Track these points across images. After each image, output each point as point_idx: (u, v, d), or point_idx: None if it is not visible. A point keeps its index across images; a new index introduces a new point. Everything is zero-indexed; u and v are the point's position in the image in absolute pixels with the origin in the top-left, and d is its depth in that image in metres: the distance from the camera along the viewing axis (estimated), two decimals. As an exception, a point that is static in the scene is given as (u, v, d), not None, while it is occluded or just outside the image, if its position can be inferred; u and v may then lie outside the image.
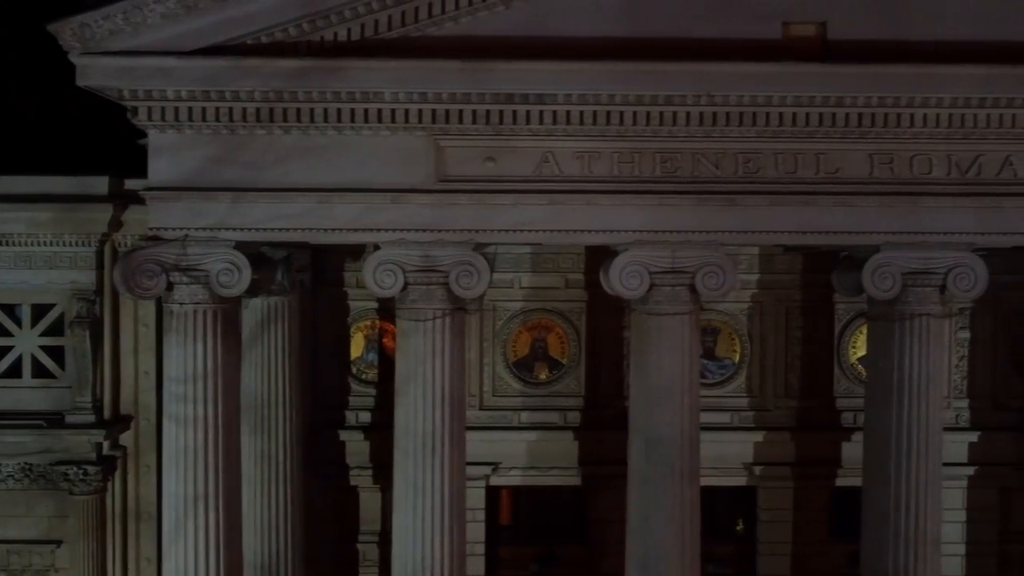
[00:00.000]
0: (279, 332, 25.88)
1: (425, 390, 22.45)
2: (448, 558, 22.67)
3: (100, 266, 27.18)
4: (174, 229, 21.87)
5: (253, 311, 25.72)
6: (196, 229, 21.86)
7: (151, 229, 21.86)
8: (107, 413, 27.99)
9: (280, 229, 22.09)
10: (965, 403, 28.62)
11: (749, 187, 22.30)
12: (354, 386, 28.82)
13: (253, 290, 23.77)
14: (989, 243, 22.62)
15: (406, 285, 22.31)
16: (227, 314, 22.40)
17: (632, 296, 22.55)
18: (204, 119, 21.63)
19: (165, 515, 22.46)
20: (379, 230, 22.14)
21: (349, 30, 21.72)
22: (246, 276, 21.93)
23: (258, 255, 23.33)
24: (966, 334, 28.47)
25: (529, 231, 22.36)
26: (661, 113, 21.90)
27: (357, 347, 28.97)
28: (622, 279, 22.36)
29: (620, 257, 22.30)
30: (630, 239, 22.32)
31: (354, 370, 28.83)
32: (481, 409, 28.73)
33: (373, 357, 28.71)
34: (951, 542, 28.72)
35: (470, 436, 26.82)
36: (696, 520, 23.11)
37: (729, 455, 28.57)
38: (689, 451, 22.82)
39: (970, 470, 28.55)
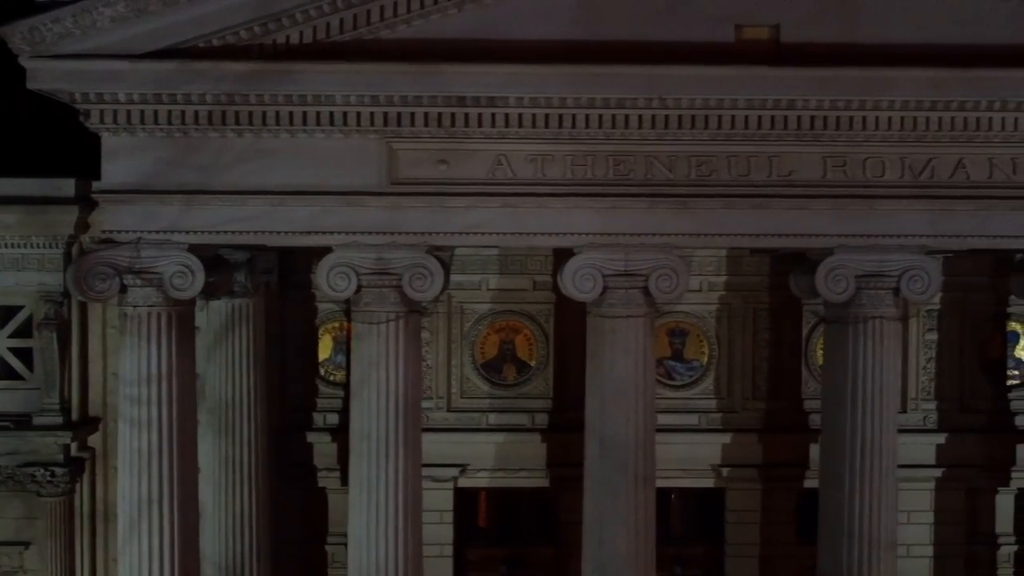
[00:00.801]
0: (243, 334, 25.89)
1: (379, 393, 22.47)
2: (403, 560, 22.71)
3: (67, 268, 27.01)
4: (127, 232, 21.93)
5: (217, 313, 25.76)
6: (149, 232, 21.89)
7: (104, 232, 21.99)
8: (75, 415, 28.07)
9: (233, 232, 22.10)
10: (933, 405, 28.58)
11: (702, 190, 22.28)
12: (322, 388, 28.83)
13: (211, 292, 23.83)
14: (942, 245, 22.64)
15: (360, 288, 22.33)
16: (182, 316, 22.43)
17: (585, 299, 22.55)
18: (156, 122, 21.64)
19: (120, 516, 22.55)
20: (332, 233, 22.16)
21: (301, 33, 21.69)
22: (199, 279, 21.93)
23: (215, 257, 23.40)
24: (934, 336, 28.40)
25: (482, 234, 22.36)
26: (613, 116, 21.85)
27: (325, 349, 28.99)
28: (575, 282, 22.36)
29: (573, 260, 22.33)
30: (583, 242, 22.32)
31: (322, 372, 28.84)
32: (449, 411, 28.70)
33: (341, 359, 28.74)
34: (918, 544, 28.95)
35: (438, 438, 27.13)
36: (651, 523, 23.12)
37: (697, 457, 28.56)
38: (644, 453, 22.78)
39: (937, 472, 28.50)
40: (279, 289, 28.19)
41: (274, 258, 27.18)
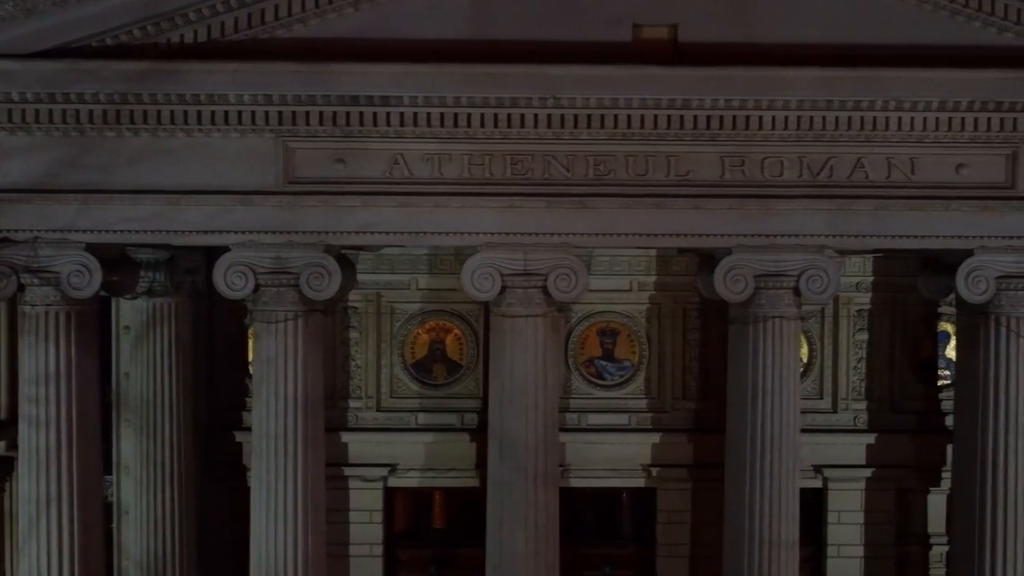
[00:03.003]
0: (165, 333, 25.97)
1: (277, 392, 22.51)
2: (303, 561, 22.73)
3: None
4: (24, 231, 22.05)
5: (138, 312, 25.88)
6: (46, 231, 21.97)
7: (1, 231, 21.88)
8: (3, 415, 27.95)
9: (131, 231, 22.21)
10: (863, 405, 28.33)
11: (600, 189, 22.27)
12: (251, 387, 28.58)
13: (117, 291, 24.05)
14: (841, 245, 22.57)
15: (258, 287, 22.34)
16: (82, 315, 22.50)
17: (484, 298, 22.62)
18: (52, 121, 21.72)
19: (20, 516, 22.65)
20: (229, 232, 22.23)
21: (196, 32, 21.75)
22: (97, 278, 22.03)
23: (121, 256, 23.35)
24: (864, 336, 28.20)
25: (379, 233, 22.40)
26: (509, 115, 21.81)
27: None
28: (474, 281, 22.38)
29: (472, 259, 22.34)
30: (481, 241, 22.32)
31: (251, 371, 28.69)
32: (378, 410, 28.60)
33: (270, 358, 28.48)
34: (849, 544, 28.74)
35: (367, 438, 27.08)
36: (553, 523, 23.06)
37: (627, 457, 28.44)
38: (544, 454, 22.73)
39: (868, 472, 28.26)
40: (208, 288, 28.01)
41: (200, 257, 27.12)
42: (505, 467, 22.76)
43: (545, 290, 22.55)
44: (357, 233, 22.39)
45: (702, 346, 28.73)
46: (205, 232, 22.27)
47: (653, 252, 28.10)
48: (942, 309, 28.27)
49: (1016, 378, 22.84)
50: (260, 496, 22.65)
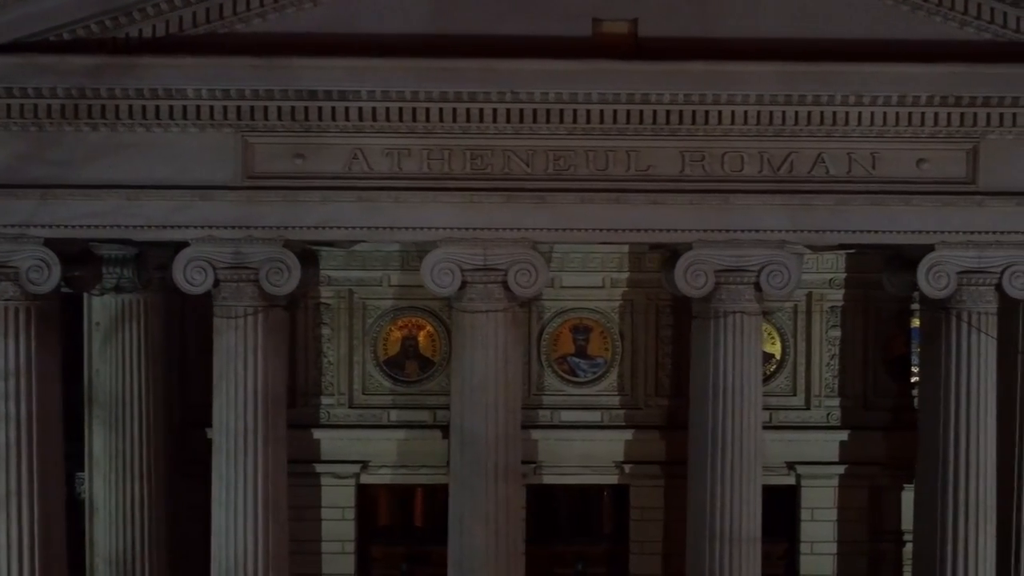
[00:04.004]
0: (134, 329, 25.93)
1: (237, 388, 22.50)
2: (263, 556, 22.67)
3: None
4: (-18, 226, 21.75)
5: (107, 308, 25.79)
6: (5, 226, 22.00)
7: (-40, 226, 21.90)
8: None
9: (90, 226, 22.20)
10: (836, 402, 28.28)
11: (560, 184, 22.23)
12: (222, 383, 28.61)
13: (79, 286, 24.03)
14: (801, 240, 22.47)
15: (217, 282, 22.32)
16: (43, 311, 22.50)
17: (444, 293, 22.62)
18: (9, 116, 21.71)
19: (-20, 511, 22.43)
20: (188, 227, 22.27)
21: (154, 27, 21.75)
22: (56, 273, 22.01)
23: (83, 252, 23.31)
24: (837, 333, 28.13)
25: (339, 228, 22.40)
26: (468, 110, 21.79)
27: (225, 345, 28.75)
28: (434, 276, 22.37)
29: (432, 254, 22.31)
30: (441, 236, 22.35)
31: (223, 367, 28.64)
32: (351, 407, 28.55)
33: (241, 355, 28.44)
34: (822, 541, 28.71)
35: (339, 434, 27.07)
36: (514, 521, 23.03)
37: (600, 453, 28.41)
38: (505, 450, 22.68)
39: (841, 469, 28.21)
40: (179, 285, 28.01)
41: (170, 253, 26.85)
42: (466, 463, 22.69)
43: (506, 285, 22.47)
44: (316, 228, 22.33)
45: (675, 343, 28.63)
46: (165, 227, 22.25)
47: (625, 249, 28.03)
48: (915, 306, 28.06)
49: (977, 373, 22.75)
50: (220, 492, 22.65)
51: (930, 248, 22.47)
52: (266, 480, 22.57)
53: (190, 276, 22.17)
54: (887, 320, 28.33)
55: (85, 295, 26.20)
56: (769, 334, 28.12)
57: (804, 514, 28.49)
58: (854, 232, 22.51)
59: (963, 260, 22.45)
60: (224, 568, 22.57)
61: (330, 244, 24.19)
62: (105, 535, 26.07)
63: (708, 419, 22.72)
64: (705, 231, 22.31)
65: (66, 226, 22.12)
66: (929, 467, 23.38)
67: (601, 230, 22.49)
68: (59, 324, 23.19)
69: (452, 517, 23.01)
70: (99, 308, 26.14)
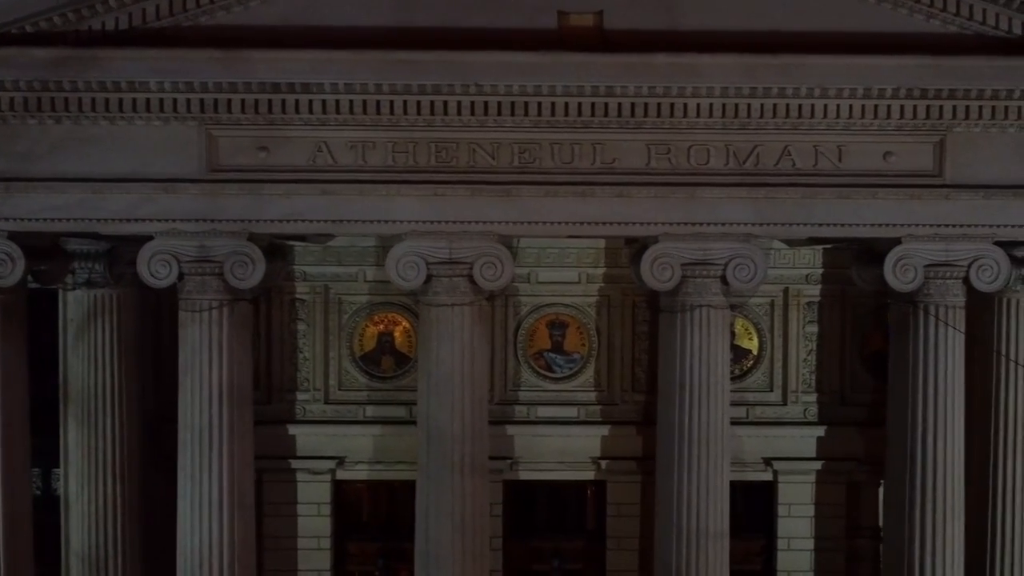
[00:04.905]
0: (106, 324, 25.87)
1: (202, 382, 22.46)
2: (228, 550, 22.59)
3: None
4: (-54, 220, 21.73)
5: (79, 303, 25.72)
6: (-33, 220, 21.68)
7: (-77, 220, 21.87)
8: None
9: (54, 219, 22.18)
10: (813, 398, 28.18)
11: (525, 177, 22.17)
12: (199, 379, 28.54)
13: (46, 281, 23.91)
14: (767, 233, 22.43)
15: (182, 276, 22.28)
16: (7, 305, 22.53)
17: (409, 287, 22.60)
18: (-29, 109, 21.40)
19: (-56, 506, 22.37)
20: (153, 220, 22.21)
21: (117, 19, 21.70)
22: (20, 266, 22.00)
23: (51, 246, 23.27)
24: (814, 328, 28.04)
25: (303, 221, 22.36)
26: (432, 103, 21.72)
27: (200, 339, 28.67)
28: (399, 269, 22.30)
29: (397, 247, 22.25)
30: (406, 229, 22.27)
31: (199, 362, 28.56)
32: (326, 403, 28.52)
33: (217, 349, 28.38)
34: (799, 537, 28.64)
35: (315, 430, 26.98)
36: (481, 516, 22.95)
37: (576, 449, 28.33)
38: (471, 444, 22.63)
39: (818, 465, 28.11)
40: (153, 279, 27.94)
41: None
42: (432, 457, 22.65)
43: (471, 279, 22.38)
44: (281, 221, 22.29)
45: (651, 338, 28.52)
46: (129, 220, 22.20)
47: (602, 244, 27.95)
48: (892, 301, 27.89)
49: (945, 367, 22.64)
50: (185, 486, 22.62)
51: (897, 241, 22.36)
52: (231, 474, 22.55)
53: (154, 270, 22.09)
54: (864, 315, 28.19)
55: (60, 291, 25.89)
56: (746, 330, 28.02)
57: (781, 510, 28.38)
58: (820, 225, 22.39)
59: (930, 253, 22.33)
60: (189, 562, 22.48)
61: (295, 238, 24.11)
62: (78, 532, 26.07)
63: (675, 413, 22.61)
64: (671, 224, 22.18)
65: (30, 219, 22.07)
66: (897, 462, 23.31)
67: (567, 223, 22.34)
68: (25, 319, 23.12)
69: (419, 511, 23.00)
70: (72, 303, 25.91)
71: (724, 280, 22.54)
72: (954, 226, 22.37)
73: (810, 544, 28.68)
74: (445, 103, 21.74)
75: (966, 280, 22.55)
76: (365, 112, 21.80)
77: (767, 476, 28.26)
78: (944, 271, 22.41)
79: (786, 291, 27.78)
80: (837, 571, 28.73)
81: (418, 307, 23.38)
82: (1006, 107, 21.86)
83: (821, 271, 27.75)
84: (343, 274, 28.10)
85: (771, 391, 28.23)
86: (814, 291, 27.95)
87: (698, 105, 21.76)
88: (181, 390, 22.64)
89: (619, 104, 21.74)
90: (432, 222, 22.23)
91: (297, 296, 27.93)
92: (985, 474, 24.91)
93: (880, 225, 22.47)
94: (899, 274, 22.39)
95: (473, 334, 22.61)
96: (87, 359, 25.99)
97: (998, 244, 22.47)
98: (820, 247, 27.00)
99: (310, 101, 21.73)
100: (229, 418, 22.49)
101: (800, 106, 21.84)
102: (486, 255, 22.17)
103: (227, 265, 22.10)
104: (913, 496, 22.96)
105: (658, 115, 21.82)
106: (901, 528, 23.21)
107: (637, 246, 23.86)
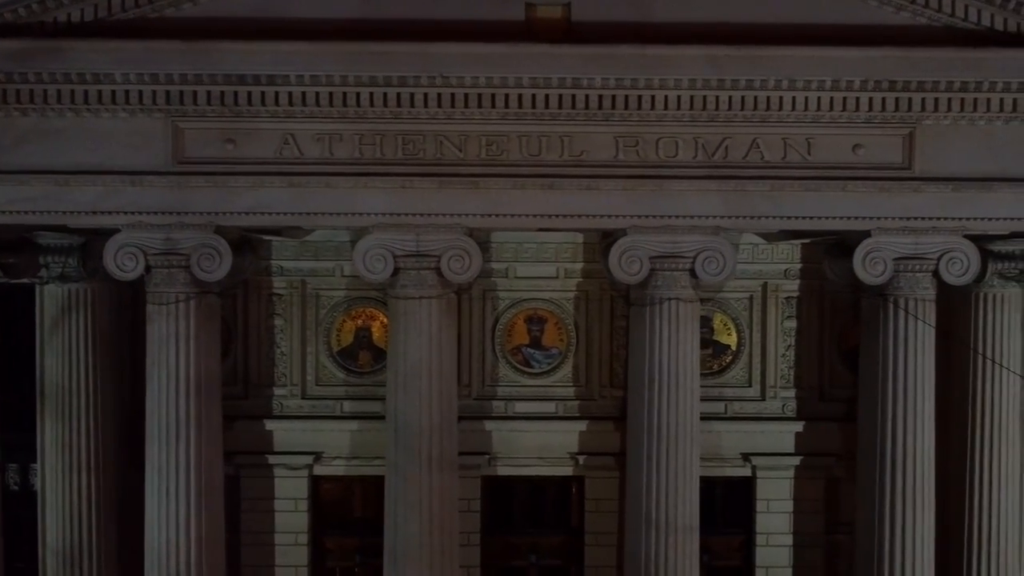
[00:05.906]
0: (81, 319, 25.73)
1: (169, 375, 22.41)
2: (195, 544, 22.58)
3: None
4: (-91, 213, 21.67)
5: (52, 298, 25.57)
6: (-68, 212, 21.63)
7: None
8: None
9: (20, 212, 22.11)
10: (792, 393, 27.99)
11: (493, 170, 22.11)
12: (174, 372, 28.44)
13: (14, 274, 23.80)
14: (736, 226, 22.34)
15: (149, 268, 22.19)
16: (-26, 298, 22.12)
17: (377, 280, 22.52)
18: (-64, 100, 21.36)
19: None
20: (119, 213, 22.16)
21: (83, 11, 21.67)
22: (-14, 259, 21.68)
23: (20, 239, 23.22)
24: (793, 323, 27.87)
25: (270, 214, 22.31)
26: (398, 94, 21.69)
27: (179, 333, 28.60)
28: (366, 262, 22.25)
29: (364, 240, 22.21)
30: (373, 222, 22.22)
31: (175, 356, 28.47)
32: (304, 398, 28.34)
33: (194, 343, 28.30)
34: (778, 533, 28.43)
35: (292, 425, 26.88)
36: (449, 510, 22.88)
37: (554, 445, 28.14)
38: (440, 438, 22.55)
39: (796, 460, 27.92)
40: (132, 274, 27.86)
41: (114, 242, 26.90)
42: (400, 451, 22.60)
43: (439, 271, 22.29)
44: (248, 214, 22.25)
45: (628, 333, 28.14)
46: (96, 213, 22.17)
47: (580, 239, 27.81)
48: (871, 295, 27.75)
49: (914, 360, 22.58)
50: (153, 480, 22.59)
51: (866, 234, 22.29)
52: (199, 468, 22.50)
53: (121, 263, 22.06)
54: (843, 310, 28.01)
55: (36, 286, 25.82)
56: (725, 325, 27.88)
57: (760, 506, 28.24)
58: (790, 218, 22.32)
59: (899, 246, 22.26)
60: (156, 556, 22.46)
61: (263, 231, 23.95)
62: (53, 528, 25.91)
63: (644, 407, 22.56)
64: (639, 217, 22.11)
65: (-4, 211, 21.66)
66: (868, 454, 23.26)
67: (535, 216, 22.30)
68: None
69: (388, 506, 22.95)
70: (48, 298, 25.83)
71: (693, 273, 22.33)
72: (923, 219, 22.26)
73: (789, 540, 28.51)
74: (412, 95, 21.68)
75: (936, 273, 22.37)
76: (332, 104, 21.71)
77: (746, 472, 28.09)
78: (913, 264, 22.31)
79: (765, 286, 27.64)
80: (815, 567, 28.57)
81: (388, 301, 23.15)
82: (975, 99, 21.70)
83: (800, 266, 27.56)
84: (320, 269, 27.95)
85: (750, 386, 28.08)
86: (792, 286, 27.80)
87: (666, 97, 21.63)
88: (148, 383, 22.63)
89: (587, 96, 21.65)
90: (399, 215, 22.14)
91: (274, 291, 27.80)
92: (962, 468, 24.62)
93: (849, 218, 22.37)
94: (868, 267, 22.29)
95: (441, 327, 22.53)
96: (61, 354, 25.87)
97: (968, 237, 22.14)
98: (798, 242, 26.79)
99: (276, 93, 21.62)
100: (197, 411, 22.39)
101: (768, 98, 21.74)
102: (454, 248, 22.08)
103: (194, 258, 22.02)
104: (883, 488, 22.91)
105: (626, 107, 21.68)
106: (872, 520, 23.21)
107: (609, 239, 23.62)
